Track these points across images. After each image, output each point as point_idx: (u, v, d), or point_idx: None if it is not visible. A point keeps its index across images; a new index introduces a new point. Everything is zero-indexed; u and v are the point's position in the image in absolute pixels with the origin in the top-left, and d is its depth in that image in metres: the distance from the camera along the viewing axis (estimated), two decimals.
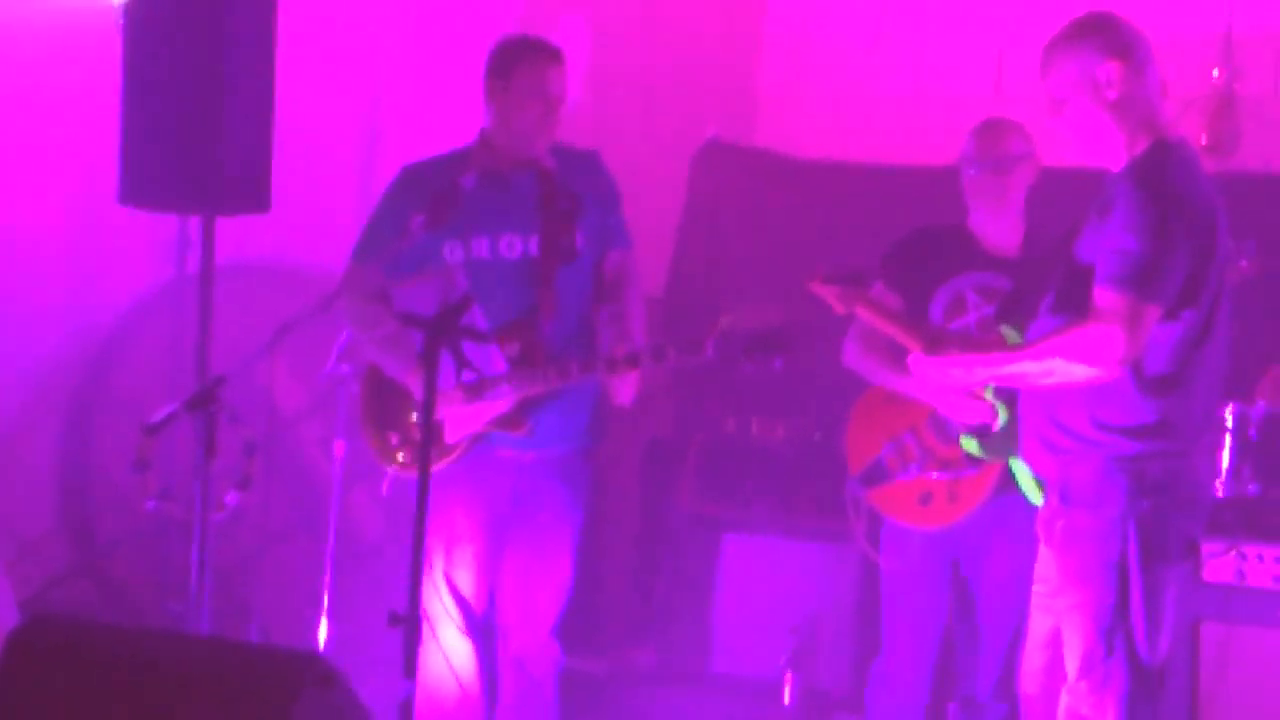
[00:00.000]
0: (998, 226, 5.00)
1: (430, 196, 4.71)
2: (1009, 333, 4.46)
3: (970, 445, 4.59)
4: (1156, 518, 4.07)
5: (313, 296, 4.87)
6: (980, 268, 4.96)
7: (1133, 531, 4.06)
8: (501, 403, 4.75)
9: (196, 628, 4.86)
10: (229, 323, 5.34)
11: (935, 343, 4.47)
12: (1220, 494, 5.39)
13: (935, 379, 4.42)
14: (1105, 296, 3.96)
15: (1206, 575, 5.29)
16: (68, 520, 7.08)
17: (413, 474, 4.59)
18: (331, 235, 6.10)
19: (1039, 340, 4.18)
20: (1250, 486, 5.38)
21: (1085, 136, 4.16)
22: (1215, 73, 7.18)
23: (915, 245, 5.11)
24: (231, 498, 5.43)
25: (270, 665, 3.83)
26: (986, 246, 5.00)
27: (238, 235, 5.58)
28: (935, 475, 4.89)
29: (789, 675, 5.90)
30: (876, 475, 5.02)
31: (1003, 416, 4.46)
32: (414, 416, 4.73)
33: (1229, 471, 5.40)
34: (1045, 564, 4.26)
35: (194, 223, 5.58)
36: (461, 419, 4.76)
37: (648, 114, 7.45)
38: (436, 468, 4.71)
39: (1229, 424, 5.40)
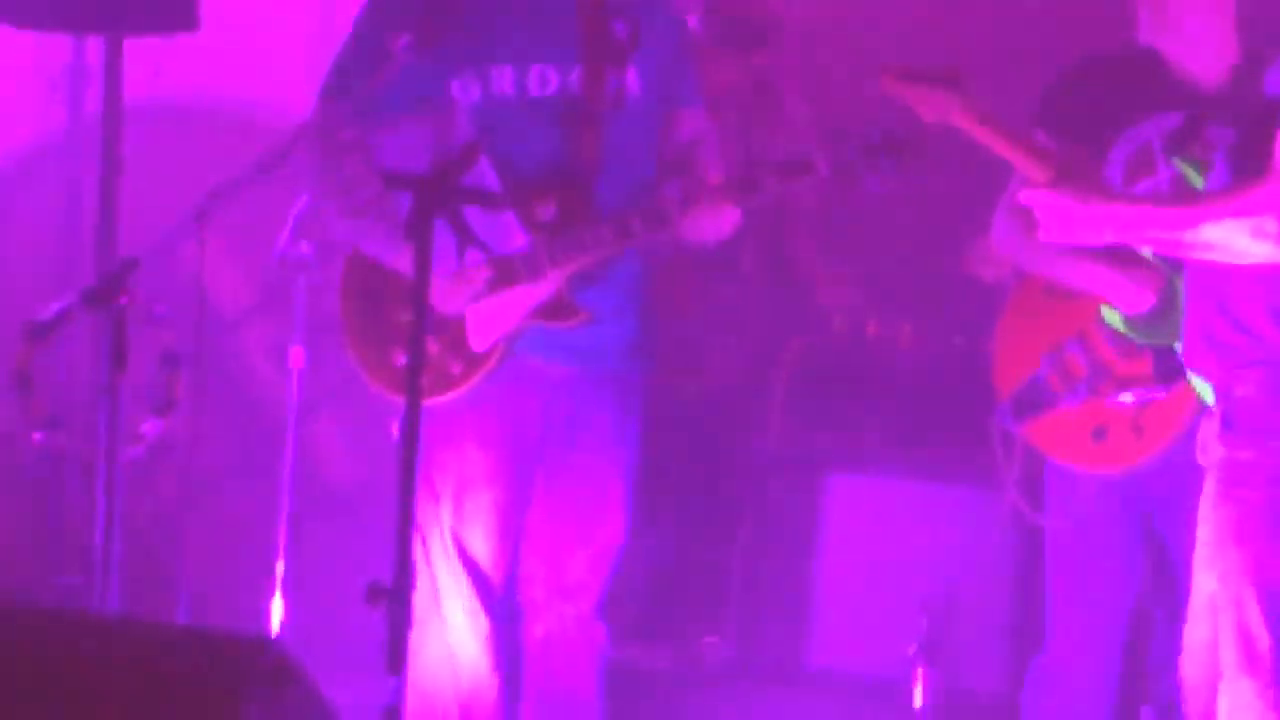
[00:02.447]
0: (1202, 45, 4.96)
1: (418, 6, 4.78)
2: (1187, 170, 4.50)
3: (1113, 319, 4.70)
4: None
5: (259, 147, 4.87)
6: (1172, 106, 4.89)
7: None
8: (543, 285, 4.77)
9: (102, 605, 4.88)
10: (142, 183, 5.32)
11: (1068, 173, 4.44)
12: None
13: (1065, 223, 4.32)
14: None
15: None
16: None
17: (436, 402, 4.70)
18: (285, 63, 6.11)
19: (1214, 197, 4.23)
20: None
21: None
22: None
23: (1084, 79, 5.09)
24: (150, 427, 5.43)
25: (206, 655, 3.86)
26: (1182, 75, 4.95)
27: (153, 64, 5.55)
28: (1114, 399, 4.90)
29: (919, 671, 5.88)
30: (1035, 400, 5.03)
31: (1167, 285, 4.55)
32: (428, 327, 4.67)
33: None
34: (1208, 503, 4.28)
35: (93, 46, 5.54)
36: (491, 315, 4.79)
37: None
38: (459, 391, 4.81)
39: None
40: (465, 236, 4.48)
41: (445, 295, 4.71)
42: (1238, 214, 4.05)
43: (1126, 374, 4.83)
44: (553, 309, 4.80)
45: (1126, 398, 4.85)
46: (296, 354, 5.51)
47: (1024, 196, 4.36)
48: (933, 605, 5.95)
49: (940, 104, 4.71)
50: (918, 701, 5.83)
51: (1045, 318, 5.01)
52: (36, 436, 5.04)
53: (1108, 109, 4.95)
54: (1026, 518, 5.21)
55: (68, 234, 6.50)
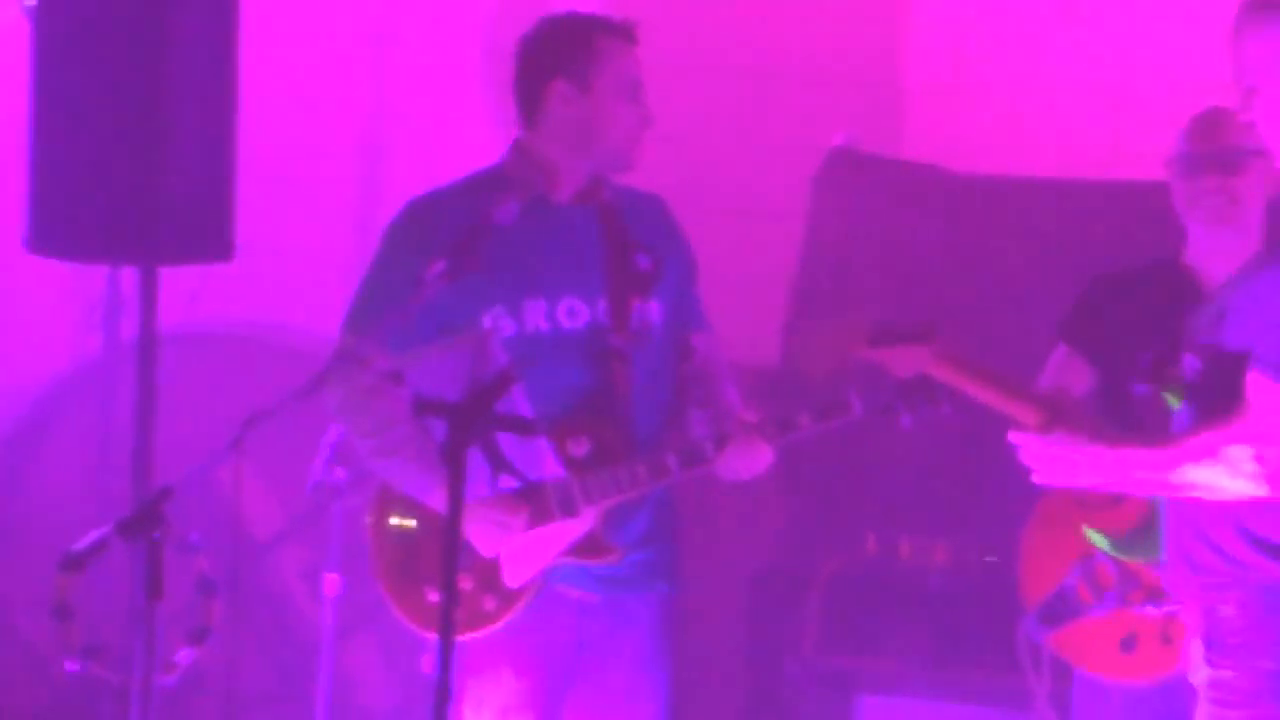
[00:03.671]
0: (1227, 253, 4.94)
1: (449, 236, 4.77)
2: (1169, 395, 4.50)
3: (1099, 540, 4.77)
4: None
5: (293, 374, 4.86)
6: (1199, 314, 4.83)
7: None
8: (578, 523, 4.76)
9: None
10: (177, 409, 5.31)
11: (1058, 415, 4.40)
12: None
13: (1054, 469, 4.29)
14: (1272, 389, 4.01)
15: None
16: None
17: (471, 637, 4.69)
18: (316, 291, 6.11)
19: (1182, 442, 4.22)
20: None
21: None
22: None
23: (1109, 294, 5.12)
24: (184, 655, 5.40)
25: None
26: (1211, 285, 4.91)
27: (189, 291, 5.56)
28: (1143, 609, 4.87)
29: None
30: (1063, 610, 5.01)
31: (1153, 504, 4.52)
32: (461, 564, 4.66)
33: None
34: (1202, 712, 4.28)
35: (128, 276, 5.54)
36: (526, 551, 4.77)
37: (754, 121, 7.51)
38: (494, 626, 4.79)
39: None
40: (499, 463, 4.46)
41: (483, 538, 4.71)
42: (1215, 455, 4.08)
43: (1155, 583, 4.77)
44: (588, 547, 4.79)
45: (1153, 609, 4.83)
46: (331, 580, 5.50)
47: (1013, 438, 4.32)
48: None
49: (913, 360, 4.66)
50: None
51: (1074, 527, 4.97)
52: (70, 666, 5.01)
53: (1134, 322, 4.97)
54: None
55: (102, 459, 6.51)
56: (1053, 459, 4.27)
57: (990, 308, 5.23)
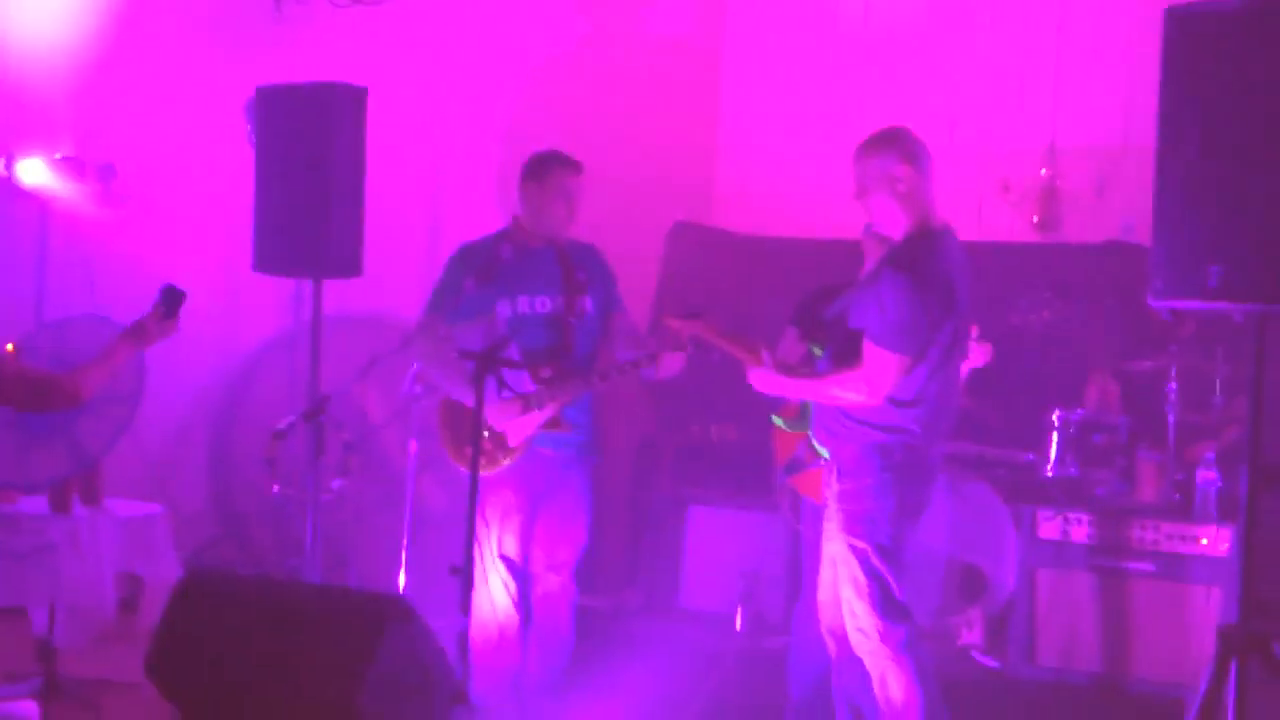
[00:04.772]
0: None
1: (478, 264, 4.79)
2: (815, 348, 4.52)
3: (778, 421, 4.67)
4: (898, 486, 4.13)
5: (393, 338, 4.91)
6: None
7: (881, 495, 4.13)
8: (546, 411, 4.73)
9: (311, 578, 4.89)
10: (332, 358, 5.32)
11: (757, 360, 4.37)
12: (1050, 474, 5.43)
13: (760, 386, 4.37)
14: (873, 350, 4.04)
15: (1041, 534, 5.31)
16: (216, 501, 7.12)
17: (489, 474, 4.68)
18: (406, 294, 6.12)
19: (831, 375, 4.25)
20: (1071, 469, 5.43)
21: (880, 216, 4.20)
22: (1043, 171, 7.31)
23: (814, 298, 4.99)
24: (335, 483, 5.44)
25: (363, 605, 3.84)
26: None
27: (337, 293, 5.52)
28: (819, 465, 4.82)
29: (740, 609, 5.90)
30: (796, 466, 4.85)
31: (803, 410, 4.55)
32: (485, 434, 4.64)
33: (1056, 459, 5.45)
34: (829, 510, 4.27)
35: (306, 285, 5.49)
36: (520, 427, 4.74)
37: (629, 202, 7.41)
38: (502, 467, 4.76)
39: (1056, 424, 5.45)
40: (502, 383, 4.53)
41: (496, 417, 4.68)
42: (845, 384, 4.12)
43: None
44: (552, 424, 4.75)
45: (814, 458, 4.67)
46: (413, 444, 5.44)
47: (748, 374, 4.37)
48: (747, 574, 5.98)
49: (690, 327, 4.58)
50: (738, 626, 5.86)
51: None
52: (276, 489, 5.01)
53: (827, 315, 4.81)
54: (793, 527, 5.12)
55: (292, 383, 6.49)
56: (761, 380, 4.33)
57: (772, 322, 5.19)
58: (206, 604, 3.96)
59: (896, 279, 4.04)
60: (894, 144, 4.17)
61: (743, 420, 6.43)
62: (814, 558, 4.89)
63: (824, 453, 4.34)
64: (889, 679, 4.13)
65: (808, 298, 5.01)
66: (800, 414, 4.53)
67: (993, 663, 5.37)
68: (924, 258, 4.09)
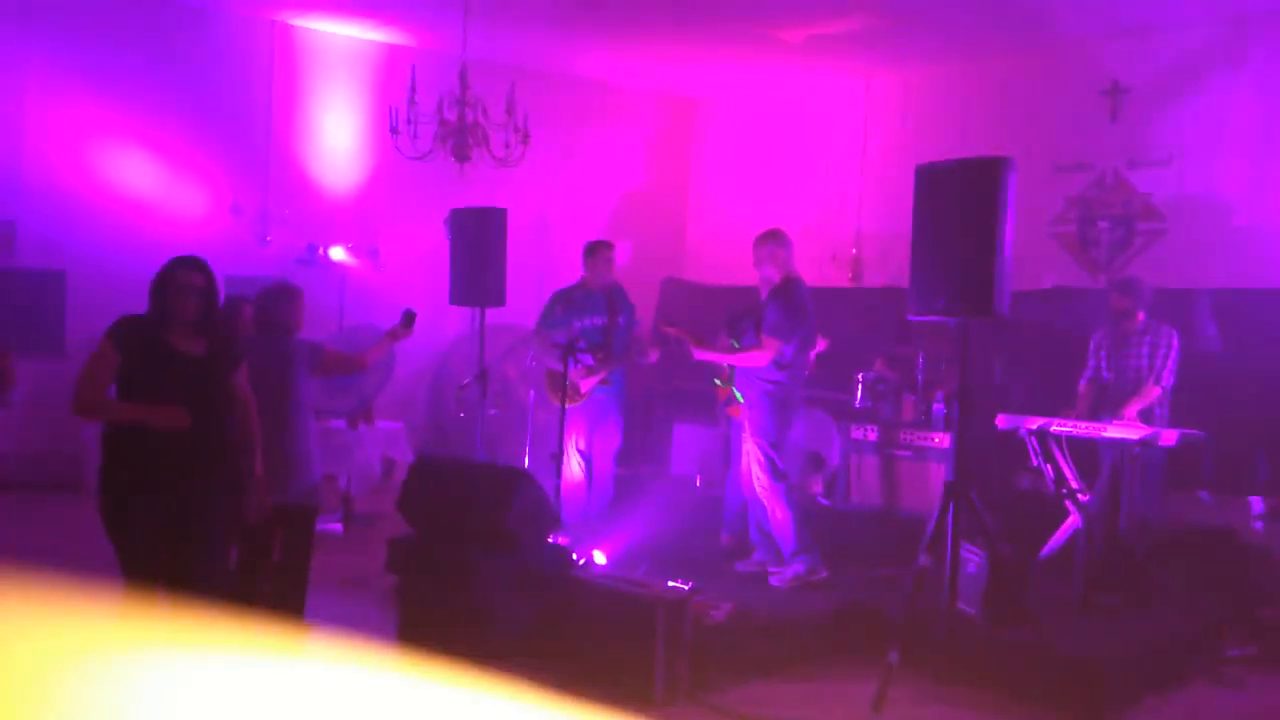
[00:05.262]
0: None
1: (564, 299, 4.75)
2: (734, 341, 4.37)
3: (718, 381, 4.51)
4: (774, 411, 4.04)
5: (520, 338, 4.86)
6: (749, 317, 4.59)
7: (771, 417, 4.04)
8: (599, 375, 4.63)
9: (479, 459, 4.71)
10: (490, 348, 5.21)
11: (700, 344, 4.24)
12: (857, 405, 5.35)
13: (701, 357, 4.23)
14: (766, 339, 4.02)
15: (853, 436, 5.18)
16: (432, 422, 7.03)
17: (570, 405, 4.58)
18: (526, 315, 5.99)
19: (741, 350, 4.16)
20: (868, 404, 5.37)
21: (768, 273, 4.12)
22: (854, 251, 7.20)
23: (738, 313, 4.75)
24: (492, 412, 5.35)
25: (507, 473, 3.81)
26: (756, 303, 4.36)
27: (493, 315, 5.32)
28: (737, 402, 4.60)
29: (698, 476, 5.76)
30: (728, 402, 4.72)
31: (730, 372, 4.36)
32: (568, 386, 4.55)
33: (861, 398, 5.36)
34: (745, 426, 4.12)
35: (477, 310, 5.12)
36: (588, 383, 4.64)
37: (638, 266, 7.26)
38: (577, 403, 4.64)
39: (860, 379, 5.30)
40: (577, 360, 4.49)
41: (575, 376, 4.59)
42: (749, 356, 4.04)
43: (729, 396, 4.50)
44: (604, 381, 4.66)
45: (736, 399, 4.51)
46: (531, 394, 5.27)
47: (691, 349, 4.16)
48: (703, 457, 5.72)
49: (676, 330, 4.36)
50: (697, 484, 5.68)
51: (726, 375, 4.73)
52: (461, 414, 4.89)
53: (743, 324, 4.58)
54: (725, 433, 4.90)
55: (469, 362, 6.05)
56: (701, 354, 4.20)
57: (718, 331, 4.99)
58: (427, 474, 3.98)
59: (778, 302, 4.04)
60: (777, 238, 4.15)
61: (701, 378, 6.29)
62: (736, 451, 4.79)
63: (739, 396, 4.28)
64: (775, 509, 4.10)
65: (731, 316, 4.86)
66: (729, 378, 4.50)
67: (827, 502, 5.35)
68: (792, 292, 4.08)
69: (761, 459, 4.13)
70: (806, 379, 4.29)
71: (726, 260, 7.63)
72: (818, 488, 5.40)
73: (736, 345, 4.42)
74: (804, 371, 4.23)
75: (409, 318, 3.78)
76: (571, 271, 5.26)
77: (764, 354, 4.06)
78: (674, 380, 6.66)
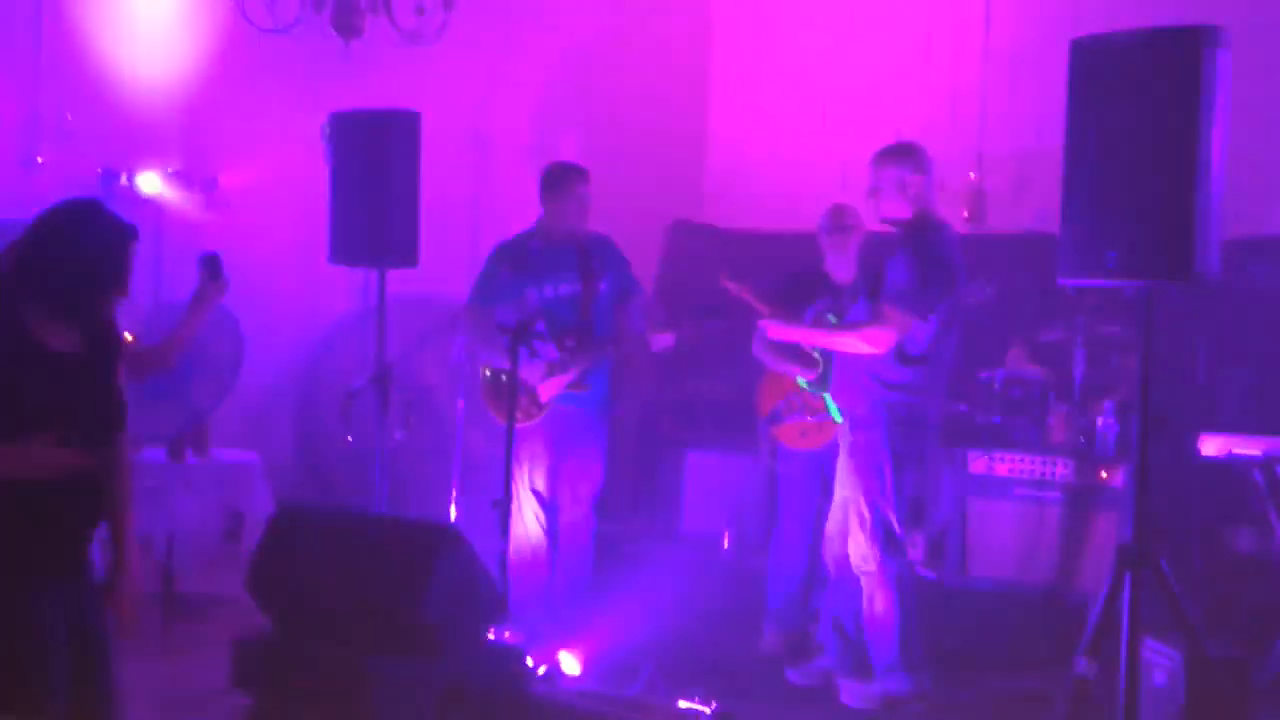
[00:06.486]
0: (839, 268, 4.85)
1: (511, 257, 4.79)
2: (830, 318, 4.50)
3: (802, 382, 4.61)
4: (902, 439, 4.12)
5: (444, 317, 4.89)
6: (830, 294, 4.80)
7: (887, 447, 4.12)
8: (570, 374, 4.72)
9: (379, 510, 4.84)
10: (395, 333, 5.25)
11: (777, 312, 4.44)
12: (979, 421, 5.42)
13: (778, 334, 4.39)
14: (887, 310, 4.07)
15: (971, 470, 5.28)
16: (302, 450, 7.10)
17: (523, 426, 4.67)
18: (454, 280, 6.04)
19: (846, 327, 4.27)
20: (995, 418, 5.42)
21: (894, 208, 4.21)
22: (972, 175, 7.26)
23: (793, 281, 4.95)
24: (398, 434, 5.38)
25: (422, 532, 3.84)
26: (833, 281, 4.85)
27: (398, 280, 5.39)
28: (808, 419, 4.79)
29: (727, 533, 5.89)
30: (776, 418, 4.93)
31: (822, 368, 4.47)
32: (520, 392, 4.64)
33: (982, 408, 5.44)
34: (842, 459, 4.27)
35: (373, 273, 5.29)
36: (548, 388, 4.73)
37: (635, 203, 7.30)
38: (535, 420, 4.74)
39: (983, 381, 5.43)
40: (533, 352, 4.53)
41: (527, 376, 4.65)
42: (859, 335, 4.14)
43: (814, 408, 4.69)
44: (575, 384, 4.74)
45: (809, 417, 4.76)
46: (460, 403, 5.38)
47: (760, 323, 4.45)
48: (733, 505, 5.95)
49: (739, 289, 4.72)
50: (725, 546, 5.86)
51: (777, 383, 4.88)
52: (349, 439, 4.94)
53: (800, 296, 4.81)
54: (771, 469, 5.11)
55: (363, 353, 6.23)
56: (776, 328, 4.38)
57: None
58: (294, 533, 3.97)
59: (910, 253, 4.07)
60: (909, 156, 4.23)
61: (729, 379, 6.34)
62: (789, 492, 4.93)
63: (836, 411, 4.32)
64: (877, 598, 4.14)
65: (789, 280, 4.95)
66: (821, 378, 4.52)
67: (932, 575, 5.37)
68: (932, 240, 4.13)
69: (869, 517, 4.15)
70: (946, 384, 4.32)
71: (768, 196, 7.69)
72: (916, 552, 5.43)
73: (835, 320, 4.46)
74: (945, 372, 4.26)
75: (210, 264, 3.73)
76: (523, 213, 5.27)
77: (885, 333, 4.09)
78: (688, 382, 6.75)
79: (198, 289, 3.75)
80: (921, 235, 4.13)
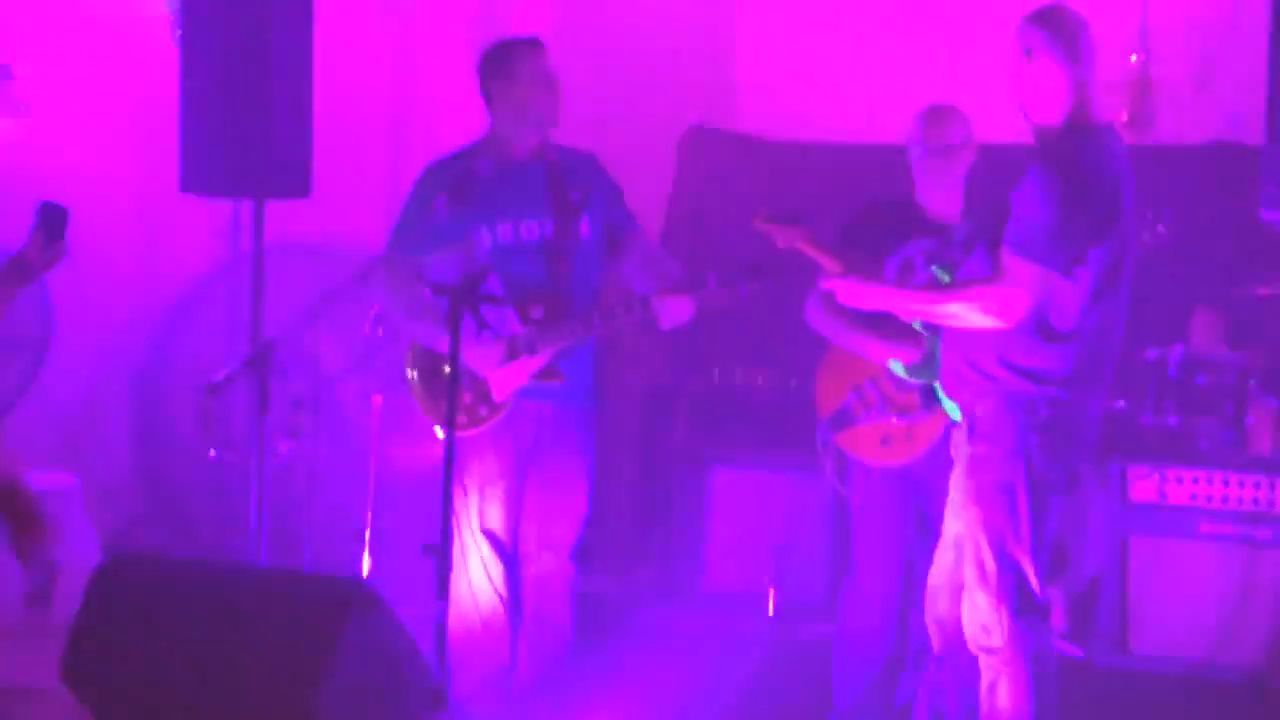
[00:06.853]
0: (941, 200, 4.90)
1: (451, 183, 4.77)
2: (940, 273, 4.44)
3: (897, 368, 4.59)
4: (1043, 451, 4.08)
5: (350, 271, 4.90)
6: (926, 235, 4.82)
7: (1021, 462, 4.07)
8: (538, 359, 4.73)
9: (256, 559, 4.89)
10: (277, 295, 5.32)
11: (853, 268, 4.47)
12: (1146, 424, 5.42)
13: (854, 299, 4.34)
14: (1012, 261, 3.99)
15: (1133, 496, 5.31)
16: (141, 470, 7.13)
17: (469, 433, 4.68)
18: (365, 218, 6.11)
19: (954, 288, 4.23)
20: (1170, 418, 5.41)
21: (1036, 88, 4.14)
22: (1133, 58, 7.25)
23: (868, 217, 5.01)
24: (284, 446, 5.44)
25: (321, 591, 3.86)
26: (931, 216, 4.88)
27: (283, 218, 5.49)
28: (894, 420, 4.81)
29: (771, 590, 5.93)
30: (843, 419, 4.95)
31: (928, 346, 4.43)
32: (464, 385, 4.66)
33: (1152, 406, 5.44)
34: (956, 479, 4.28)
35: (245, 207, 5.47)
36: (506, 378, 4.73)
37: (635, 104, 7.39)
38: (486, 425, 4.76)
39: (1152, 364, 5.45)
40: (482, 324, 4.51)
41: (476, 360, 4.65)
42: (972, 299, 4.08)
43: (903, 403, 4.75)
44: (545, 373, 4.73)
45: (895, 418, 4.80)
46: (377, 399, 5.45)
47: (825, 283, 4.41)
48: (780, 548, 6.00)
49: (788, 235, 4.75)
50: (770, 611, 5.90)
51: (850, 366, 4.90)
52: (213, 453, 5.03)
53: (883, 236, 4.86)
54: (839, 493, 5.12)
55: (231, 326, 6.43)
56: (851, 290, 4.30)
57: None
58: (132, 594, 3.97)
59: (1046, 177, 3.99)
60: (1057, 26, 4.18)
61: (773, 362, 6.45)
62: (866, 529, 4.95)
63: (953, 409, 4.31)
64: (1001, 686, 4.10)
65: (860, 216, 5.02)
66: (927, 360, 4.46)
67: (1077, 651, 5.38)
68: (1083, 156, 4.05)
69: (994, 568, 4.11)
70: (1112, 373, 4.26)
71: (815, 92, 7.83)
72: (1056, 617, 5.42)
73: (947, 278, 4.41)
74: (1107, 355, 4.20)
75: (51, 218, 3.90)
76: (468, 125, 5.29)
77: (1012, 295, 4.00)
78: (714, 370, 6.76)
79: (23, 249, 3.85)
80: (1067, 150, 4.08)
